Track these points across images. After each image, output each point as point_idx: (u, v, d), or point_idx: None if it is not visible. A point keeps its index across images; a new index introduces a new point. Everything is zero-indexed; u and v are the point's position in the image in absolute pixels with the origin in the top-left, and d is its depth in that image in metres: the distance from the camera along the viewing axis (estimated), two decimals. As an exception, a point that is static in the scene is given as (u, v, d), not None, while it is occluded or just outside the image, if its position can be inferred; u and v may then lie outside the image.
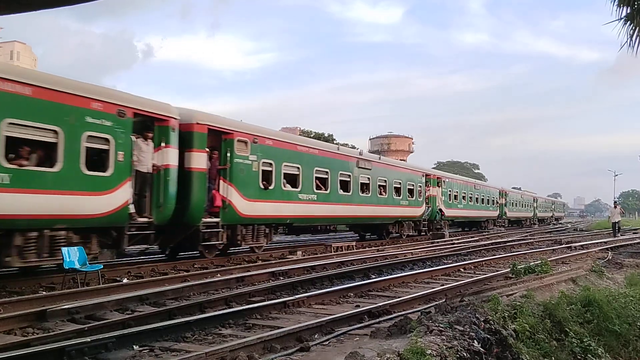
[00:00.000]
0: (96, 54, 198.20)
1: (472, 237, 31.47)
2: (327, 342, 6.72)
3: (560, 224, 72.31)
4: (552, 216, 79.90)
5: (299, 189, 19.19)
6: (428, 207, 31.38)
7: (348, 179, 22.50)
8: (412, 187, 28.97)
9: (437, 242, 26.32)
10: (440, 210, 33.34)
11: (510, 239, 28.54)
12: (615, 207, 34.62)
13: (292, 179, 19.07)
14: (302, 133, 62.56)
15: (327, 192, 20.92)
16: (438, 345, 5.99)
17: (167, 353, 6.32)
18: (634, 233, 37.09)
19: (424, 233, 30.82)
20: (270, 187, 17.65)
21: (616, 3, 11.28)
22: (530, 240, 27.63)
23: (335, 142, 58.78)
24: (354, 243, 22.49)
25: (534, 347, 7.48)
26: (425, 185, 31.23)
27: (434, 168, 44.96)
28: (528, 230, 44.56)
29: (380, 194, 25.50)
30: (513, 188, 61.77)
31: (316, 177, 20.32)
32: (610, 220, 36.28)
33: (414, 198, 29.14)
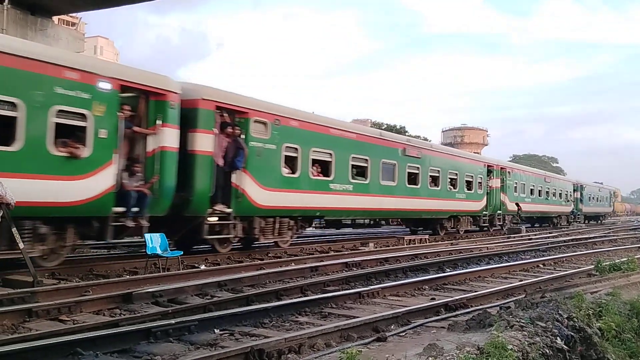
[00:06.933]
0: (173, 47, 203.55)
1: (550, 233, 30.73)
2: (403, 333, 6.68)
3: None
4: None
5: (525, 195, 35.29)
6: (573, 206, 47.73)
7: (541, 189, 38.90)
8: (562, 192, 44.62)
9: (514, 237, 25.63)
10: (580, 208, 49.96)
11: (591, 236, 27.38)
12: None
13: (521, 189, 34.87)
14: (373, 125, 62.16)
15: (533, 197, 37.16)
16: (519, 340, 5.81)
17: (246, 338, 6.47)
18: None
19: (566, 223, 45.12)
20: (516, 194, 33.27)
21: None
22: (613, 237, 26.38)
23: (407, 133, 58.15)
24: (427, 236, 22.43)
25: (620, 346, 7.14)
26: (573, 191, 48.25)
27: (509, 161, 46.02)
28: (611, 228, 42.73)
29: (554, 197, 42.09)
30: (595, 182, 62.25)
31: (530, 189, 36.51)
32: None
33: (565, 200, 45.31)
